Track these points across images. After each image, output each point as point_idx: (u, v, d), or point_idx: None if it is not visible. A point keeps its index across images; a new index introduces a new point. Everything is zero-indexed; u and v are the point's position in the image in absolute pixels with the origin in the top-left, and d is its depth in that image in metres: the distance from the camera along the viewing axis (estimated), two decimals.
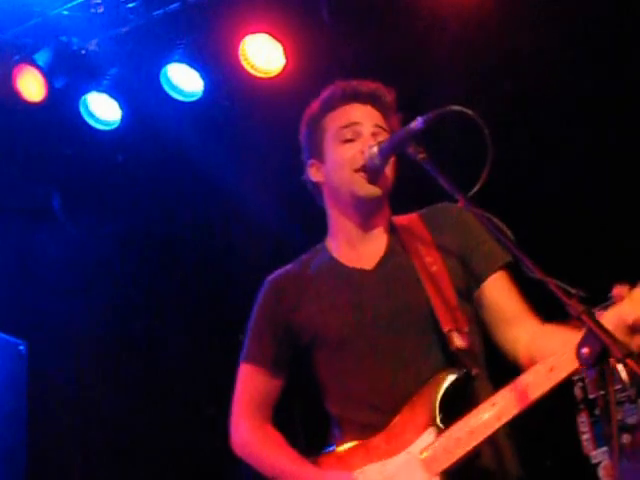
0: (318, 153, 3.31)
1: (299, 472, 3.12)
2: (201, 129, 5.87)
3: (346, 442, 3.11)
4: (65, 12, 5.81)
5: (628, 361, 2.23)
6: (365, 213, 3.24)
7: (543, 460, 3.08)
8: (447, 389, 2.93)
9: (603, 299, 5.25)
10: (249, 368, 3.33)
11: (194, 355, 6.42)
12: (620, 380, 2.33)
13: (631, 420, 5.72)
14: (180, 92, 5.73)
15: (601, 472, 5.81)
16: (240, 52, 5.49)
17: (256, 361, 3.32)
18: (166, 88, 5.71)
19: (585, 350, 2.31)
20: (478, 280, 3.14)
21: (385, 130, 3.22)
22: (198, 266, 6.43)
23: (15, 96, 5.79)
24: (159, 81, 5.70)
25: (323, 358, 3.22)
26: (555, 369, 2.70)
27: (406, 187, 3.26)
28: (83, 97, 5.89)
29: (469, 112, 2.91)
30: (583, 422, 5.92)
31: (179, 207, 6.26)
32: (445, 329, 3.01)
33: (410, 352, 3.07)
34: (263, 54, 5.50)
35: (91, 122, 5.93)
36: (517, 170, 5.02)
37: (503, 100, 5.12)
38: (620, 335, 2.49)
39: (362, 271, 3.21)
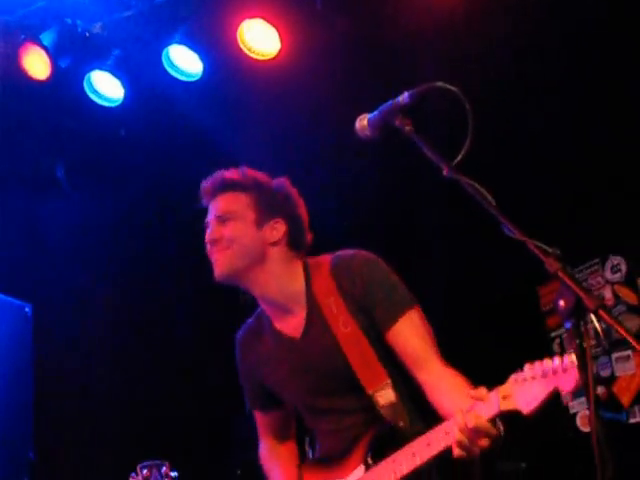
0: None
1: None
2: (200, 107, 5.93)
3: (317, 458, 3.52)
4: None
5: (600, 312, 2.29)
6: (243, 287, 3.42)
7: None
8: (374, 441, 3.21)
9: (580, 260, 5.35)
10: (253, 412, 3.68)
11: (197, 317, 6.45)
12: (594, 331, 2.40)
13: (605, 373, 5.84)
14: (180, 72, 5.79)
15: (579, 421, 5.93)
16: (238, 35, 5.54)
17: (253, 407, 3.65)
18: (167, 68, 5.77)
19: (561, 303, 2.37)
20: (383, 329, 3.27)
21: (228, 212, 3.38)
22: (197, 233, 6.45)
23: (21, 74, 5.81)
24: (161, 61, 5.74)
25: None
26: (431, 444, 2.94)
27: None
28: (87, 75, 5.91)
29: (452, 88, 2.96)
30: None
31: (177, 178, 6.29)
32: (369, 392, 3.24)
33: (340, 411, 3.34)
34: (260, 38, 5.56)
35: (95, 99, 5.96)
36: (502, 139, 5.08)
37: (488, 81, 5.16)
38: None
39: (292, 340, 3.39)
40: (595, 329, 2.40)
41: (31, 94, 5.95)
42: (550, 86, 5.16)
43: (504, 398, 2.76)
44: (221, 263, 3.34)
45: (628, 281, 5.71)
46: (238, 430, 5.80)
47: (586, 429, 5.84)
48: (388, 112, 3.11)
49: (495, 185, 2.75)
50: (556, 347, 6.03)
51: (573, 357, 2.60)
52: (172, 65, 5.76)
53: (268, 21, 5.51)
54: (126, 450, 5.55)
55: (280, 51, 5.54)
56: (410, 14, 5.29)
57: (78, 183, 6.42)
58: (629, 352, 5.68)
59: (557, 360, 2.69)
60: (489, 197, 2.71)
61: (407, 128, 3.03)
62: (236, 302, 3.64)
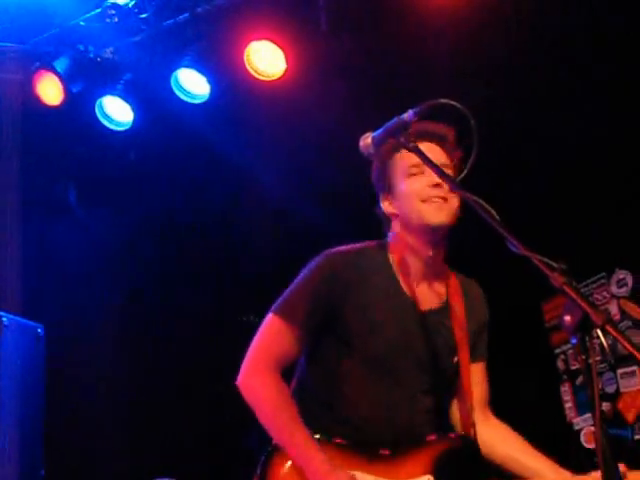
0: (389, 188, 3.28)
1: (310, 457, 2.99)
2: (208, 128, 5.89)
3: (340, 438, 3.10)
4: (82, 23, 5.86)
5: (607, 327, 2.19)
6: (434, 243, 3.22)
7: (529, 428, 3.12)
8: (453, 451, 3.05)
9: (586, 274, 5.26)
10: (279, 322, 3.18)
11: (210, 335, 6.38)
12: (600, 346, 2.31)
13: (610, 389, 5.73)
14: (189, 95, 5.75)
15: (583, 438, 5.82)
16: (245, 57, 5.50)
17: (289, 319, 3.16)
18: (176, 91, 5.73)
19: (567, 318, 2.28)
20: (474, 358, 3.30)
21: (448, 167, 3.17)
22: (206, 254, 6.41)
23: (36, 100, 5.82)
24: (169, 85, 5.71)
25: (345, 359, 3.20)
26: None
27: None
28: (98, 100, 5.91)
29: (456, 104, 2.91)
30: (565, 391, 5.93)
31: (187, 200, 6.28)
32: (469, 402, 3.21)
33: (424, 401, 3.19)
34: (266, 59, 5.50)
35: (106, 123, 5.96)
36: (505, 158, 5.02)
37: (494, 98, 5.10)
38: None
39: (415, 308, 3.21)
40: (601, 344, 2.31)
41: (45, 119, 5.95)
42: (559, 103, 5.10)
43: None
44: (449, 211, 3.14)
45: (634, 296, 5.60)
46: (249, 446, 5.73)
47: (590, 445, 5.71)
48: (393, 129, 3.02)
49: (501, 200, 2.67)
50: (560, 364, 5.92)
51: None
52: (180, 88, 5.72)
53: (274, 42, 5.46)
54: (137, 467, 5.48)
55: (285, 72, 5.48)
56: (414, 33, 5.24)
57: (89, 206, 6.40)
58: (634, 368, 5.55)
59: None
60: (493, 212, 2.62)
61: (411, 145, 2.96)
62: (249, 320, 3.54)
